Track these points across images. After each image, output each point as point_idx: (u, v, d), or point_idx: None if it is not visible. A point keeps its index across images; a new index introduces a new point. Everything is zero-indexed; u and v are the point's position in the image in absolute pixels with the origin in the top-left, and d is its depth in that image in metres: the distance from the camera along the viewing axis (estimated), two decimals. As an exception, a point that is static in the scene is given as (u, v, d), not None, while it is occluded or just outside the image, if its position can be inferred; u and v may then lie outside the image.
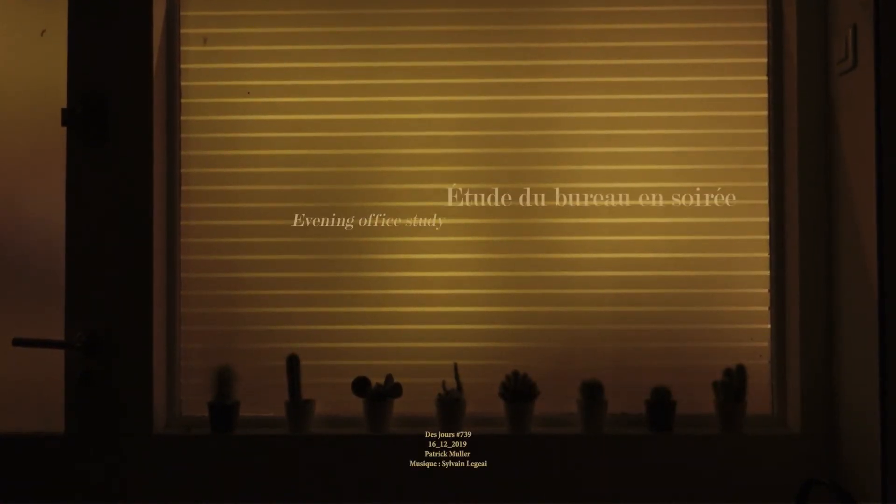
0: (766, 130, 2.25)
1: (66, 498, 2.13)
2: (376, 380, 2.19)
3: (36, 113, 2.26)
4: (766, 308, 2.24)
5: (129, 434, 2.14)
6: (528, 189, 2.26)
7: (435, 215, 2.26)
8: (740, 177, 2.25)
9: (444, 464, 2.13)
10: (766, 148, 2.25)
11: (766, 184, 2.24)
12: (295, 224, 2.27)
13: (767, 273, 2.24)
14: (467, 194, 2.26)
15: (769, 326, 2.23)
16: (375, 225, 2.27)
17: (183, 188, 2.28)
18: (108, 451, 2.14)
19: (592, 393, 2.16)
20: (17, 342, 2.07)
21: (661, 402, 2.16)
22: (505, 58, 2.27)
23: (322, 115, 2.28)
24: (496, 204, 2.26)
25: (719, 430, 2.15)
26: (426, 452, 2.13)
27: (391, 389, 2.18)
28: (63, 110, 2.15)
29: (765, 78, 2.25)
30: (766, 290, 2.24)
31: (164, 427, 2.22)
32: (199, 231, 2.28)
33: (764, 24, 2.25)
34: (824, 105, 2.15)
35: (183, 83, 2.28)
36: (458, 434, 2.14)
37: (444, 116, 2.27)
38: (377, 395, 2.17)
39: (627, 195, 2.25)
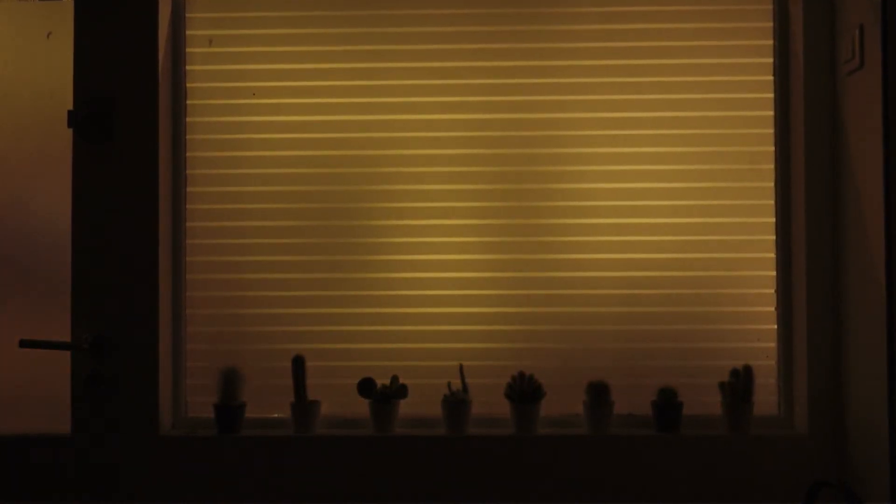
0: (772, 130, 2.24)
1: (72, 498, 2.13)
2: (382, 381, 2.19)
3: (42, 115, 2.26)
4: (773, 308, 2.23)
5: (134, 435, 2.14)
6: (534, 189, 2.26)
7: (440, 216, 2.26)
8: (746, 177, 2.24)
9: (451, 465, 2.13)
10: (772, 148, 2.24)
11: (772, 184, 2.24)
12: (300, 225, 2.27)
13: (774, 273, 2.23)
14: (472, 195, 2.26)
15: (776, 327, 2.23)
16: (381, 225, 2.27)
17: (188, 189, 2.28)
18: (113, 452, 2.14)
19: (599, 394, 2.15)
20: (24, 343, 2.08)
21: (667, 402, 2.15)
22: (510, 58, 2.27)
23: (327, 115, 2.28)
24: (501, 204, 2.26)
25: (726, 431, 2.14)
26: (432, 454, 2.13)
27: (397, 390, 2.18)
28: (69, 112, 2.16)
29: (771, 78, 2.24)
30: (773, 291, 2.23)
31: (169, 428, 2.22)
32: (205, 232, 2.28)
33: (770, 24, 2.24)
34: (831, 105, 2.14)
35: (188, 84, 2.29)
36: (463, 435, 2.14)
37: (449, 117, 2.27)
38: (383, 396, 2.17)
39: (633, 195, 2.24)
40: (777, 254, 2.23)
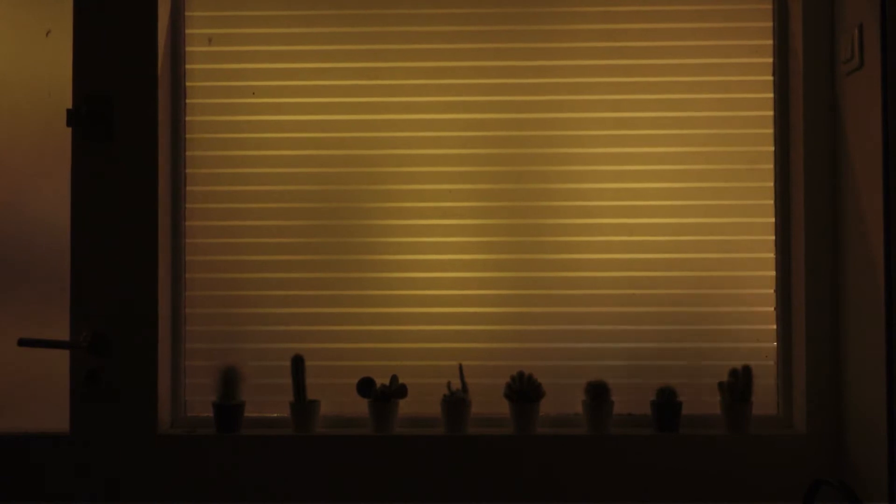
0: (771, 130, 2.24)
1: (70, 497, 2.13)
2: (381, 380, 2.19)
3: (41, 113, 2.26)
4: (772, 308, 2.23)
5: (133, 434, 2.14)
6: (533, 189, 2.26)
7: (440, 216, 2.26)
8: (746, 177, 2.24)
9: (450, 465, 2.13)
10: (771, 148, 2.24)
11: (771, 184, 2.24)
12: (299, 224, 2.27)
13: (773, 273, 2.23)
14: (471, 194, 2.26)
15: (775, 327, 2.23)
16: (380, 225, 2.27)
17: (188, 188, 2.28)
18: (112, 450, 2.14)
19: (598, 394, 2.15)
20: (23, 342, 2.07)
21: (666, 402, 2.15)
22: (510, 58, 2.27)
23: (326, 115, 2.28)
24: (501, 204, 2.26)
25: (725, 431, 2.14)
26: (431, 453, 2.13)
27: (396, 390, 2.18)
28: (68, 111, 2.16)
29: (770, 78, 2.24)
30: (772, 291, 2.23)
31: (168, 427, 2.22)
32: (204, 231, 2.28)
33: (770, 24, 2.24)
34: (830, 105, 2.14)
35: (188, 83, 2.28)
36: (463, 434, 2.14)
37: (449, 117, 2.27)
38: (382, 395, 2.17)
39: (633, 195, 2.24)
40: (777, 254, 2.23)
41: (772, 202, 2.24)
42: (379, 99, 2.27)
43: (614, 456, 2.12)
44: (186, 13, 2.29)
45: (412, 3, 2.27)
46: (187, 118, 2.28)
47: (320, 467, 2.14)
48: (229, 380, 2.19)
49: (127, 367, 2.14)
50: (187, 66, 2.28)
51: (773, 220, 2.23)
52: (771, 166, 2.24)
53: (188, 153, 2.28)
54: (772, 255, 2.23)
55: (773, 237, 2.23)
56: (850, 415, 2.07)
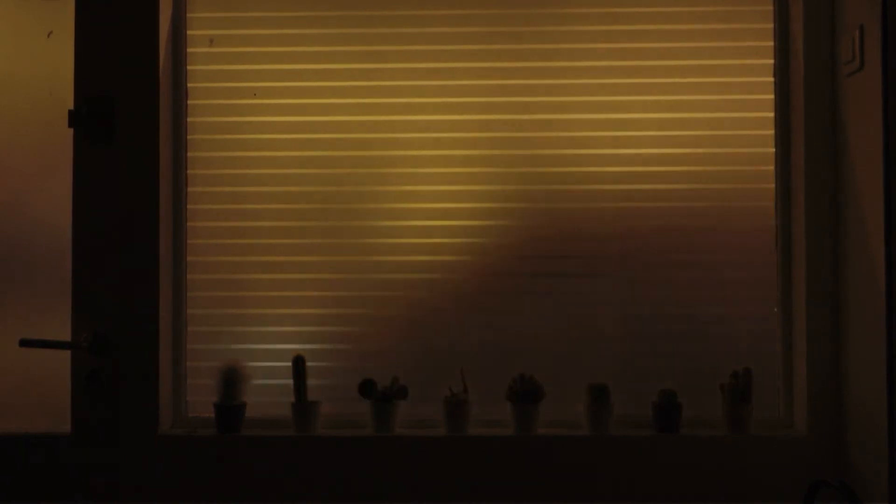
0: (772, 132, 2.24)
1: (71, 498, 2.13)
2: (382, 381, 2.19)
3: (43, 114, 2.26)
4: (773, 309, 2.23)
5: (134, 434, 2.14)
6: (535, 190, 2.26)
7: (441, 217, 2.26)
8: (747, 178, 2.25)
9: (451, 465, 2.13)
10: (772, 149, 2.24)
11: (772, 185, 2.24)
12: (301, 225, 2.27)
13: (774, 274, 2.23)
14: (473, 196, 2.26)
15: (776, 328, 2.23)
16: (381, 226, 2.27)
17: (189, 189, 2.28)
18: (113, 451, 2.14)
19: (599, 395, 2.15)
20: (24, 343, 2.07)
21: (667, 403, 2.15)
22: (511, 59, 2.27)
23: (328, 116, 2.28)
24: (503, 205, 2.26)
25: (726, 432, 2.14)
26: (432, 454, 2.13)
27: (397, 391, 2.18)
28: (70, 111, 2.16)
29: (771, 79, 2.25)
30: (774, 292, 2.23)
31: (169, 427, 2.22)
32: (206, 232, 2.28)
33: (770, 25, 2.25)
34: (831, 106, 2.14)
35: (189, 84, 2.29)
36: (463, 435, 2.14)
37: (450, 118, 2.27)
38: (383, 396, 2.17)
39: (635, 197, 2.24)
40: (777, 255, 2.23)
41: (772, 203, 2.24)
42: (380, 100, 2.27)
43: (615, 457, 2.12)
44: (188, 14, 2.29)
45: (413, 4, 2.28)
46: (189, 119, 2.28)
47: (321, 468, 2.14)
48: (230, 380, 2.19)
49: (128, 367, 2.14)
50: (189, 68, 2.29)
51: (773, 221, 2.24)
52: (771, 167, 2.24)
53: (189, 154, 2.28)
54: (772, 257, 2.23)
55: (774, 238, 2.23)
56: (851, 415, 2.07)
